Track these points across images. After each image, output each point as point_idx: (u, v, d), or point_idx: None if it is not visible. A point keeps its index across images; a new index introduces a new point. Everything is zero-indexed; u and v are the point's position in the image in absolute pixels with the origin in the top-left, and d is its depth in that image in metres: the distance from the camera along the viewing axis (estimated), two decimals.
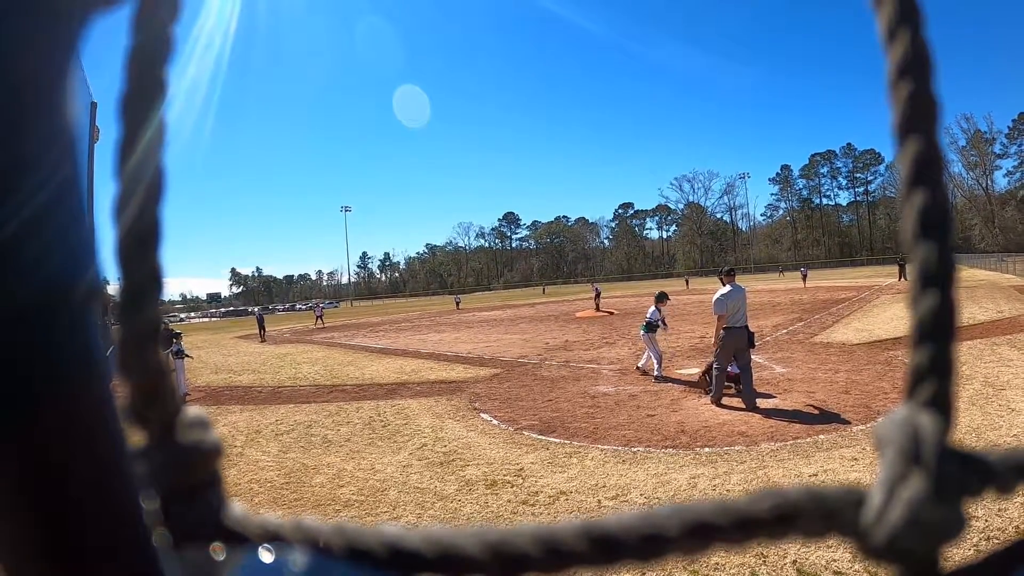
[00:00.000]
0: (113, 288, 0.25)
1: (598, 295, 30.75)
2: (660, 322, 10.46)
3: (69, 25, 0.20)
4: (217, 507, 0.25)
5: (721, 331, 7.90)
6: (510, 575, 0.23)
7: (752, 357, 8.06)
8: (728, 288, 7.96)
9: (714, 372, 8.03)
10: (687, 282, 52.91)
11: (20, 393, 0.19)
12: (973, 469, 0.23)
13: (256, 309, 41.17)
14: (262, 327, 28.66)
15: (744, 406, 7.63)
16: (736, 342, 7.78)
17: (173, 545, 0.23)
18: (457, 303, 48.15)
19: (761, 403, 7.71)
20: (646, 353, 10.62)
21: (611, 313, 26.60)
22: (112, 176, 0.24)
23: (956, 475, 0.22)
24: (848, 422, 6.68)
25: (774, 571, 3.59)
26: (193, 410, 0.27)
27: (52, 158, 0.20)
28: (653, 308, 10.53)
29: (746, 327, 7.80)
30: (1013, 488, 0.23)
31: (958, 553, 0.22)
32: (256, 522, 0.25)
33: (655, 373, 10.08)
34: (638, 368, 10.83)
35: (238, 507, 0.26)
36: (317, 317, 37.32)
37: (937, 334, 0.23)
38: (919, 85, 0.23)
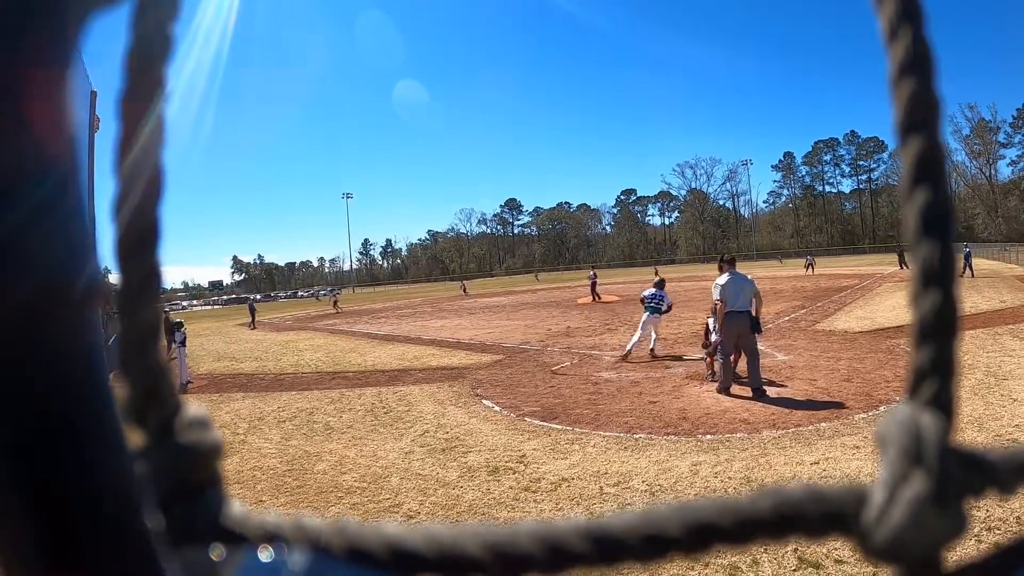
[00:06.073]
0: (114, 278, 0.25)
1: (594, 283, 27.89)
2: (661, 305, 10.70)
3: (68, 23, 0.20)
4: (217, 507, 0.25)
5: (723, 315, 7.93)
6: (511, 575, 0.23)
7: (759, 343, 8.07)
8: (726, 276, 7.98)
9: (719, 361, 8.08)
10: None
11: (19, 392, 0.19)
12: (975, 469, 0.22)
13: (251, 298, 44.29)
14: (253, 315, 30.56)
15: (746, 393, 7.66)
16: (738, 327, 7.79)
17: (173, 545, 0.23)
18: (464, 289, 48.09)
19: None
20: (653, 336, 10.70)
21: (613, 300, 26.56)
22: (111, 174, 0.24)
23: (958, 475, 0.22)
24: (850, 410, 6.70)
25: (775, 559, 3.61)
26: (193, 409, 0.27)
27: (51, 155, 0.20)
28: (653, 291, 10.71)
29: (749, 312, 7.79)
30: (1014, 488, 0.23)
31: (959, 543, 0.22)
32: (256, 522, 0.25)
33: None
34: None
35: (238, 507, 0.26)
36: (334, 302, 39.69)
37: (939, 333, 0.23)
38: (921, 84, 0.23)
